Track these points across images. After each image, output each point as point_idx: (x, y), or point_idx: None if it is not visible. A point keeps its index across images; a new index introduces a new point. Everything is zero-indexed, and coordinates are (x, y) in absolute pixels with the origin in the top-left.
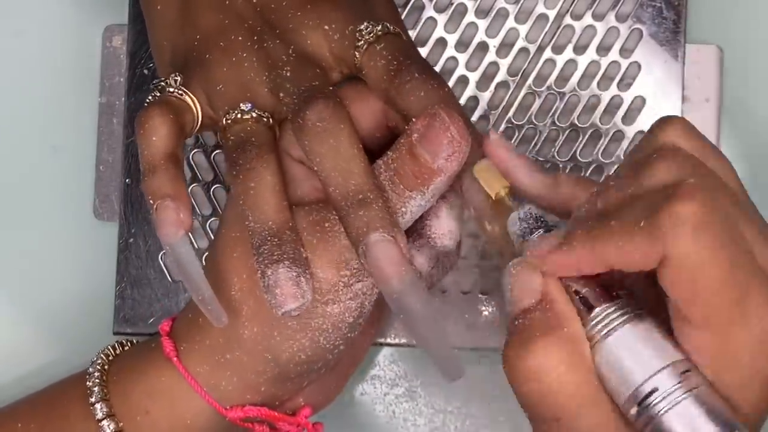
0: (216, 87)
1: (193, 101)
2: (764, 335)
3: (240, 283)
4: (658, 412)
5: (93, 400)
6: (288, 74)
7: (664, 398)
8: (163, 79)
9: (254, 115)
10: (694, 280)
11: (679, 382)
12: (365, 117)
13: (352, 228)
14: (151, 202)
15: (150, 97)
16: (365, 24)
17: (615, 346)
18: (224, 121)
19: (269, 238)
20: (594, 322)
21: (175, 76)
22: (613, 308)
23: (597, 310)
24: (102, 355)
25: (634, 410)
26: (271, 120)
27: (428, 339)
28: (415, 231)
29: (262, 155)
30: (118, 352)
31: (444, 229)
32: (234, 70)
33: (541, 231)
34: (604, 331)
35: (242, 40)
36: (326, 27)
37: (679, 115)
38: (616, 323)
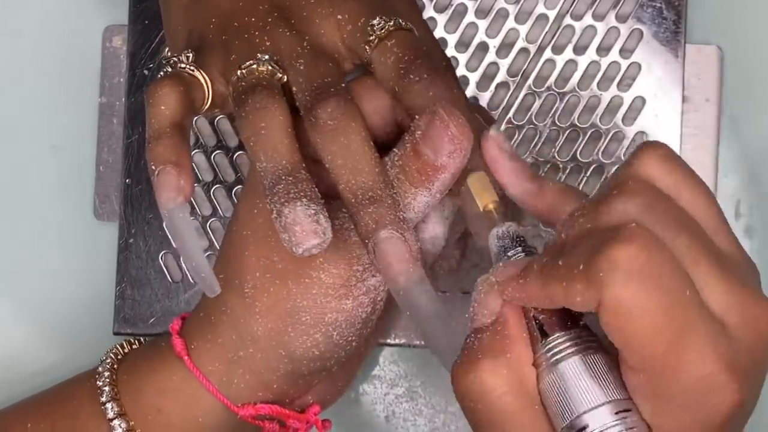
0: (230, 58)
1: (204, 78)
2: (701, 380)
3: (253, 280)
4: None
5: (104, 399)
6: (302, 68)
7: None
8: (175, 54)
9: (269, 67)
10: (627, 326)
11: (615, 421)
12: (373, 113)
13: (362, 224)
14: (152, 167)
15: (162, 72)
16: (378, 19)
17: (560, 375)
18: (238, 73)
19: (284, 177)
20: (545, 349)
21: (188, 52)
22: (565, 338)
23: (550, 338)
24: (111, 354)
25: None
26: (285, 78)
27: (435, 337)
28: None
29: (274, 96)
30: (126, 351)
31: (428, 233)
32: (247, 42)
33: (519, 250)
34: (552, 360)
35: (255, 21)
36: (339, 17)
37: (679, 117)
38: (565, 353)
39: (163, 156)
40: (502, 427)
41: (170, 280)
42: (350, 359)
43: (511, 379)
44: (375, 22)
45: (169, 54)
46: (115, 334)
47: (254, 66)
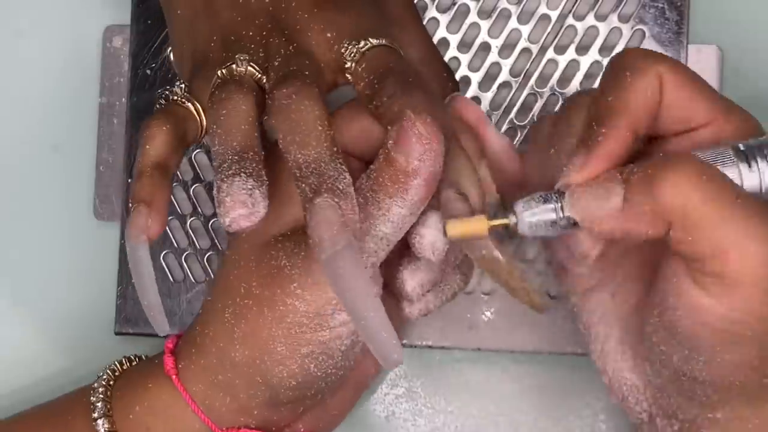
0: None
1: (196, 108)
2: None
3: (233, 306)
4: None
5: (95, 415)
6: (277, 64)
7: None
8: (168, 88)
9: (248, 68)
10: None
11: None
12: (364, 135)
13: (302, 196)
14: (130, 204)
15: (156, 106)
16: (346, 45)
17: None
18: (218, 73)
19: (230, 157)
20: None
21: (181, 83)
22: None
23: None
24: (108, 371)
25: None
26: (263, 80)
27: (358, 309)
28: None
29: (241, 89)
30: (125, 367)
31: (426, 240)
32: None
33: (554, 195)
34: None
35: (252, 35)
36: (328, 35)
37: None
38: None
39: (139, 195)
40: None
41: (171, 279)
42: (345, 389)
43: None
44: (343, 49)
45: (164, 89)
46: (117, 334)
47: (233, 66)
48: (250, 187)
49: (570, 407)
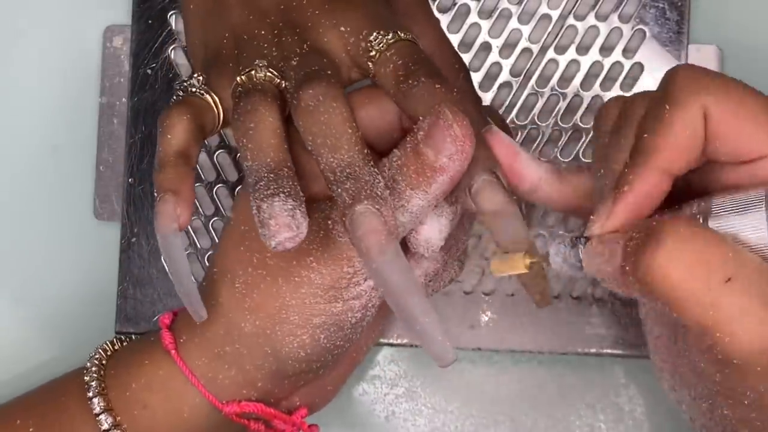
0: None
1: (213, 100)
2: None
3: (245, 275)
4: None
5: (90, 394)
6: (294, 63)
7: None
8: (186, 79)
9: (267, 73)
10: None
11: None
12: (378, 120)
13: (340, 201)
14: (155, 194)
15: (174, 97)
16: (375, 34)
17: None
18: (237, 79)
19: (266, 174)
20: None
21: (198, 75)
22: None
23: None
24: (100, 350)
25: None
26: (282, 84)
27: (412, 315)
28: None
29: (266, 99)
30: (116, 347)
31: (421, 236)
32: (258, 55)
33: (582, 240)
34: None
35: (264, 34)
36: (342, 29)
37: None
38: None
39: (164, 184)
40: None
41: (172, 279)
42: (341, 365)
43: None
44: (372, 37)
45: (182, 80)
46: (118, 333)
47: (252, 72)
48: (290, 207)
49: (570, 407)
